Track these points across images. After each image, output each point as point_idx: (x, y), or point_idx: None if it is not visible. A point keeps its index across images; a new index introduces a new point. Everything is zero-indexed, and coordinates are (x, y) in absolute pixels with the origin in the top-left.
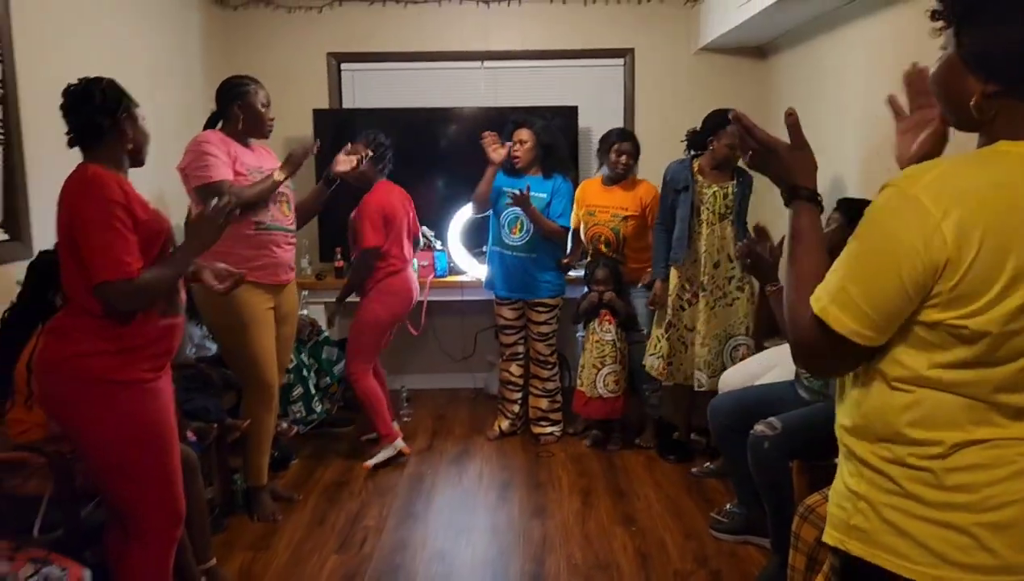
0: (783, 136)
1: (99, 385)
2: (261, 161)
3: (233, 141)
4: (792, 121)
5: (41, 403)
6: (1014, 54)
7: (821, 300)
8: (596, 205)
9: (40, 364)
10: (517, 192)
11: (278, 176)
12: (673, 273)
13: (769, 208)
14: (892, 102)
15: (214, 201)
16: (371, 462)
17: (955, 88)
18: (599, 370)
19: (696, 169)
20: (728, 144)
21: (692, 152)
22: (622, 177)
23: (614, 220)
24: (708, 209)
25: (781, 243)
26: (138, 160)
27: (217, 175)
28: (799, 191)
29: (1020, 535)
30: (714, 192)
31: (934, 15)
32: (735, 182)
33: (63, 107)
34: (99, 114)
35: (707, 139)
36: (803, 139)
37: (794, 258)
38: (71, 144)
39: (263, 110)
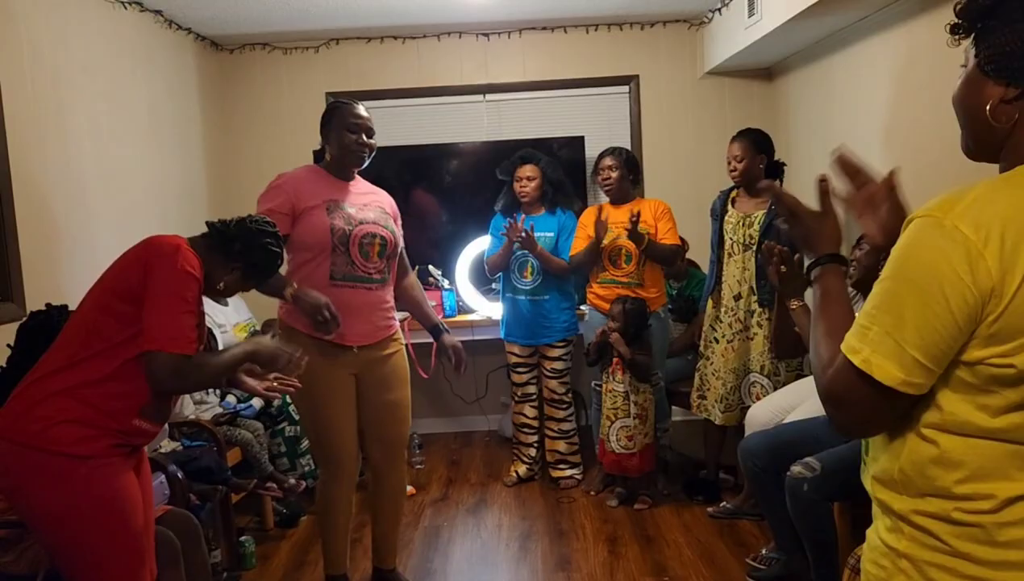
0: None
1: (56, 458)
2: (356, 200)
3: (323, 176)
4: (823, 189)
5: None
6: None
7: (860, 352)
8: (613, 222)
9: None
10: (522, 233)
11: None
12: (710, 304)
13: None
14: (841, 161)
15: (291, 351)
16: None
17: (974, 101)
18: (612, 422)
19: (732, 197)
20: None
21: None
22: (616, 193)
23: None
24: (731, 238)
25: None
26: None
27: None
28: (821, 259)
29: None
30: (737, 221)
31: (954, 29)
32: (765, 211)
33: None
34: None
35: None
36: (830, 206)
37: (821, 317)
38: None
39: (348, 136)
